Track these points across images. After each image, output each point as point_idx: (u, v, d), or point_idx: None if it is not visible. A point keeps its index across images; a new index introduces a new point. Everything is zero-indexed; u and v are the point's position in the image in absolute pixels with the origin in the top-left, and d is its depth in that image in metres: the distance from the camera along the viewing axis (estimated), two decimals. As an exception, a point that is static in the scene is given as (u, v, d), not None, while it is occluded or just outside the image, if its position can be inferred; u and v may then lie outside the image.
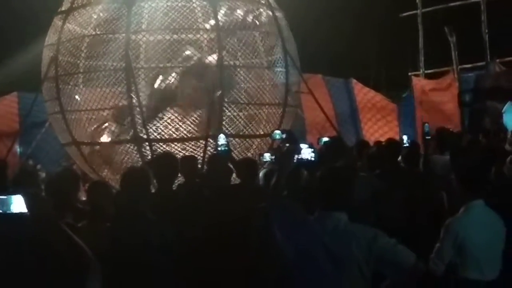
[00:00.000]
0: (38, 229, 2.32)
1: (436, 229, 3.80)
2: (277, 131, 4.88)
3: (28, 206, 2.23)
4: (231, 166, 5.28)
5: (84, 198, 5.12)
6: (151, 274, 3.23)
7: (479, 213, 3.75)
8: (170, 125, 7.89)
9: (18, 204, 2.25)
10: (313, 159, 3.96)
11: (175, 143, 7.79)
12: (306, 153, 3.85)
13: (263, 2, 8.36)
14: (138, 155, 7.69)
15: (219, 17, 7.82)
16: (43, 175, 9.29)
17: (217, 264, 3.82)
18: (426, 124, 6.06)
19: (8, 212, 2.23)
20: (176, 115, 7.83)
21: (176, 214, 4.08)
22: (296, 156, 3.59)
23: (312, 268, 3.15)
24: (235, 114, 8.00)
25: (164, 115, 7.88)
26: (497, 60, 14.77)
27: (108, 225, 3.51)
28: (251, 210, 4.14)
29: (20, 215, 2.23)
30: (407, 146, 6.19)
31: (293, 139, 4.01)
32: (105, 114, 7.86)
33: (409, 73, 17.90)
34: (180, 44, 7.85)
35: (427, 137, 5.92)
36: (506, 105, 11.55)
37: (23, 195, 2.24)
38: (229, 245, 3.91)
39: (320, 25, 18.41)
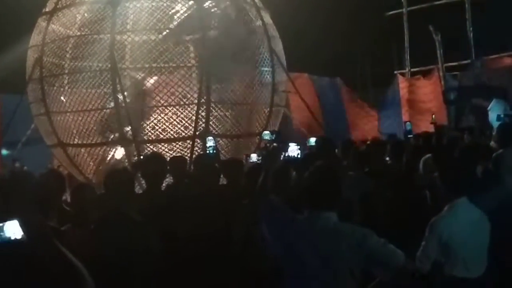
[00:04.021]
0: (35, 254, 2.32)
1: (421, 227, 3.82)
2: (266, 132, 4.90)
3: (24, 229, 2.21)
4: (218, 166, 5.27)
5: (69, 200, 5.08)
6: (135, 278, 3.22)
7: (463, 211, 3.77)
8: (157, 126, 7.87)
9: (15, 229, 2.23)
10: (299, 156, 3.99)
11: (162, 144, 7.77)
12: (293, 150, 3.88)
13: (249, 1, 8.36)
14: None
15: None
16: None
17: (201, 263, 3.82)
18: (408, 123, 6.11)
19: (7, 239, 2.21)
20: (162, 115, 7.82)
21: (163, 215, 4.07)
22: (283, 154, 3.60)
23: (301, 267, 3.15)
24: (222, 114, 7.99)
25: (151, 116, 7.86)
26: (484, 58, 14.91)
27: (92, 228, 3.49)
28: (235, 208, 4.15)
29: (16, 241, 2.22)
30: (393, 142, 6.24)
31: (282, 140, 4.02)
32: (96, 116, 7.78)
33: (395, 71, 18.01)
34: (165, 44, 7.83)
35: (409, 136, 5.97)
36: (492, 102, 11.64)
37: (18, 220, 2.22)
38: (212, 243, 3.91)
39: (306, 23, 18.43)
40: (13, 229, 2.23)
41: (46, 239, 2.27)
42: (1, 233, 2.22)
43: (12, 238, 2.22)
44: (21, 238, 2.22)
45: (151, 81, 7.78)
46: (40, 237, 2.26)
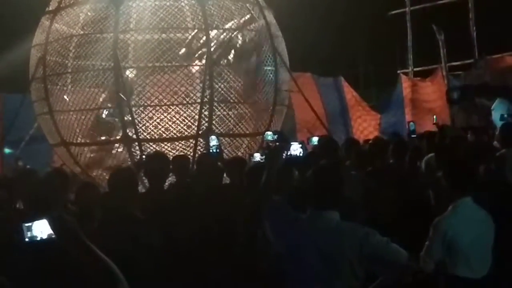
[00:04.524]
0: (66, 253, 2.33)
1: (424, 227, 3.81)
2: (269, 132, 4.91)
3: (53, 229, 2.22)
4: (222, 165, 5.26)
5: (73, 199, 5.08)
6: (138, 276, 3.22)
7: (467, 211, 3.76)
8: (160, 124, 7.87)
9: (43, 228, 2.24)
10: (301, 154, 4.00)
11: (165, 143, 7.77)
12: (295, 150, 3.89)
13: (252, 0, 8.35)
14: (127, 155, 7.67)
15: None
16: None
17: (203, 262, 3.82)
18: (412, 123, 6.09)
19: (35, 239, 2.23)
20: (165, 114, 7.83)
21: (166, 214, 4.08)
22: (285, 153, 3.61)
23: (303, 267, 3.15)
24: (224, 113, 7.99)
25: (154, 115, 7.87)
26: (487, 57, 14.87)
27: (96, 227, 3.49)
28: (238, 207, 4.15)
29: (47, 240, 2.23)
30: (396, 141, 6.24)
31: (284, 140, 4.02)
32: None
33: (398, 71, 17.99)
34: (168, 43, 7.84)
35: (412, 136, 5.95)
36: (495, 102, 11.61)
37: (48, 219, 2.23)
38: (214, 242, 3.91)
39: (308, 22, 18.42)
40: (42, 229, 2.23)
41: (77, 238, 2.28)
42: (29, 232, 2.23)
43: (40, 237, 2.23)
44: (49, 238, 2.23)
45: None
46: (71, 236, 2.27)
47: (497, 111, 10.36)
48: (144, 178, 5.20)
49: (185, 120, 7.82)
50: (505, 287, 4.02)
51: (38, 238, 2.23)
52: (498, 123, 9.26)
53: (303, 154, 4.13)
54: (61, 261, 2.37)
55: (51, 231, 2.22)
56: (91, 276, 2.28)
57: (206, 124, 7.61)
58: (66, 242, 2.25)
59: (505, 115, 8.97)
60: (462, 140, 6.63)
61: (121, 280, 2.32)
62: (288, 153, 3.73)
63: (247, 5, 8.29)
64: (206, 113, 7.62)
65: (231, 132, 7.98)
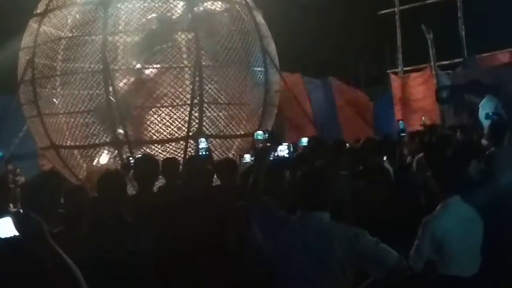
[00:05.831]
0: (28, 251, 2.30)
1: (414, 226, 3.83)
2: (259, 132, 4.90)
3: (16, 227, 2.19)
4: (212, 167, 5.25)
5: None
6: (128, 280, 3.21)
7: (456, 210, 3.78)
8: (150, 127, 7.85)
9: (7, 227, 2.21)
10: (288, 155, 4.01)
11: (156, 145, 7.74)
12: (282, 150, 3.90)
13: (241, 1, 8.35)
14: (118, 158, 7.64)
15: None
16: (22, 179, 9.18)
17: (193, 264, 3.81)
18: (401, 122, 6.10)
19: None
20: (155, 116, 7.80)
21: (155, 216, 4.07)
22: (273, 154, 3.61)
23: (293, 267, 3.15)
24: (215, 114, 7.98)
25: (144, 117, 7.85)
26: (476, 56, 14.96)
27: (85, 231, 3.48)
28: (228, 209, 4.14)
29: (9, 239, 2.20)
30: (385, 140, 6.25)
31: (275, 140, 4.02)
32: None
33: (388, 71, 18.03)
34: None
35: (402, 134, 5.97)
36: (484, 99, 11.65)
37: (12, 216, 2.20)
38: (205, 245, 3.90)
39: (297, 23, 18.44)
40: (5, 227, 2.21)
41: (40, 237, 2.26)
42: None
43: (3, 235, 2.20)
44: (10, 237, 2.20)
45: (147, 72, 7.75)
46: (33, 235, 2.25)
47: (484, 109, 10.38)
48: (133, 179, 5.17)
49: (176, 122, 7.80)
50: (494, 285, 4.04)
51: (2, 236, 2.21)
52: (484, 121, 9.31)
53: (292, 155, 4.13)
54: (21, 260, 2.35)
55: (14, 229, 2.20)
56: (51, 276, 2.27)
57: (197, 126, 7.60)
58: (27, 240, 2.23)
59: (490, 113, 9.00)
60: (450, 139, 6.66)
61: (81, 282, 2.31)
62: (275, 154, 3.74)
63: (236, 6, 8.29)
64: (196, 114, 7.60)
65: (221, 134, 7.97)
